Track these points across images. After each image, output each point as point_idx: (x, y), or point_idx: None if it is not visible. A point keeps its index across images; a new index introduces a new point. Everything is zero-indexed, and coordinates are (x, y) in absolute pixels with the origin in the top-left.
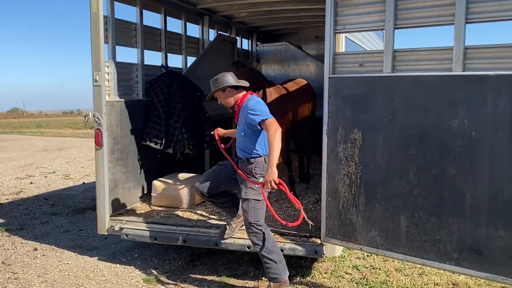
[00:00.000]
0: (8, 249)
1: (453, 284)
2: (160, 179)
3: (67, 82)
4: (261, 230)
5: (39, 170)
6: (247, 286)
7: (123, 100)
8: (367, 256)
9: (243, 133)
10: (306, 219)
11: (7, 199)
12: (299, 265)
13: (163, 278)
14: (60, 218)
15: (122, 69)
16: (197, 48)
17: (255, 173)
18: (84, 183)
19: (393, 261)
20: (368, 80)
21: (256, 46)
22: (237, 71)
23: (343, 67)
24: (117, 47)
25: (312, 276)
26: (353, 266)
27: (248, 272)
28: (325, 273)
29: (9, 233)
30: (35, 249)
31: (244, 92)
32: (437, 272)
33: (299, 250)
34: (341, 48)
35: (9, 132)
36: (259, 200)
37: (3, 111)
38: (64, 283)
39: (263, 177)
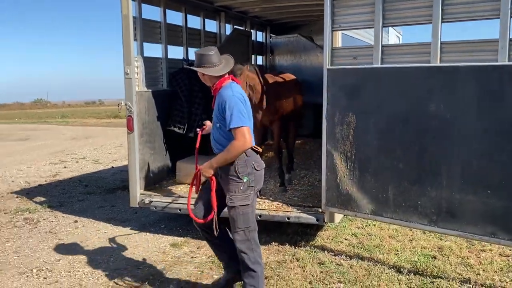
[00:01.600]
0: (52, 221)
1: (439, 248)
2: (183, 160)
3: (89, 73)
4: (250, 237)
5: (70, 156)
6: (267, 253)
7: (150, 90)
8: (366, 225)
9: (218, 125)
10: (214, 225)
11: (45, 181)
12: (305, 233)
13: (187, 243)
14: (94, 196)
15: (149, 63)
16: (215, 42)
17: (238, 172)
18: (113, 167)
19: (388, 229)
20: (360, 71)
21: (270, 38)
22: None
23: (340, 60)
24: (144, 43)
25: (315, 241)
26: (352, 234)
27: (261, 239)
28: (327, 239)
29: (51, 209)
30: (76, 221)
31: (225, 75)
32: (426, 238)
33: (303, 218)
34: (338, 43)
35: (36, 122)
36: (248, 204)
37: (28, 102)
38: (102, 247)
39: (247, 176)
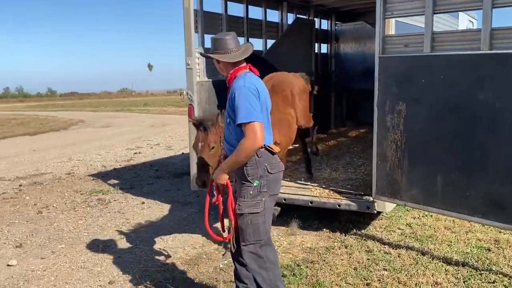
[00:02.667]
0: (122, 202)
1: (495, 241)
2: None
3: (170, 64)
4: (262, 253)
5: (145, 143)
6: (310, 235)
7: (210, 80)
8: (422, 216)
9: (228, 120)
10: (232, 240)
11: (120, 165)
12: (358, 222)
13: None
14: (163, 180)
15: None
16: (276, 32)
17: (247, 174)
18: (183, 153)
19: (445, 220)
20: (411, 59)
21: (335, 26)
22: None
23: (391, 48)
24: (205, 35)
25: (366, 230)
26: (407, 224)
27: (312, 225)
28: (379, 228)
29: (122, 191)
30: (143, 203)
31: (242, 64)
32: (483, 230)
33: (354, 206)
34: (391, 31)
35: (120, 110)
36: (258, 212)
37: (115, 91)
38: (164, 226)
39: (258, 179)
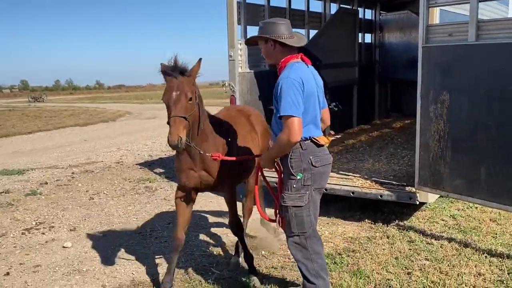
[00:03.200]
0: (167, 190)
1: None
2: None
3: (213, 55)
4: (307, 245)
5: None
6: (351, 225)
7: (252, 71)
8: (467, 207)
9: (275, 110)
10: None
11: (165, 154)
12: (400, 213)
13: None
14: None
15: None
16: (319, 22)
17: (291, 167)
18: None
19: (490, 212)
20: (455, 48)
21: (380, 16)
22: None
23: (435, 37)
24: (247, 27)
25: (409, 221)
26: (450, 215)
27: (354, 215)
28: (422, 219)
29: (167, 180)
30: None
31: (294, 53)
32: None
33: (396, 196)
34: (435, 20)
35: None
36: (301, 206)
37: (159, 84)
38: (208, 213)
39: (302, 172)
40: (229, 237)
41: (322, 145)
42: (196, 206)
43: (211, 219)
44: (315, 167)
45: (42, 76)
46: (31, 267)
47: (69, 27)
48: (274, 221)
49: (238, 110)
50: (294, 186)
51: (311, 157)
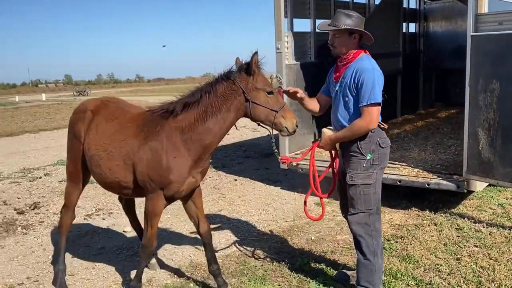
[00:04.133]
0: (216, 179)
1: None
2: (328, 127)
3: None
4: (370, 221)
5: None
6: (398, 213)
7: (298, 63)
8: None
9: (346, 98)
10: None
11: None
12: (447, 201)
13: (330, 203)
14: (251, 160)
15: (298, 37)
16: (364, 13)
17: (361, 148)
18: (269, 134)
19: None
20: (506, 37)
21: (424, 5)
22: None
23: (484, 26)
24: (294, 19)
25: (456, 209)
26: (499, 204)
27: (401, 204)
28: (470, 207)
29: (215, 169)
30: (235, 180)
31: (359, 47)
32: None
33: (443, 185)
34: (484, 9)
35: None
36: (370, 183)
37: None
38: (257, 201)
39: (371, 153)
40: (278, 224)
41: (385, 129)
42: (245, 194)
43: (260, 206)
44: (382, 148)
45: (84, 71)
46: (97, 249)
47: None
48: (325, 196)
49: None
50: (364, 165)
51: (378, 139)
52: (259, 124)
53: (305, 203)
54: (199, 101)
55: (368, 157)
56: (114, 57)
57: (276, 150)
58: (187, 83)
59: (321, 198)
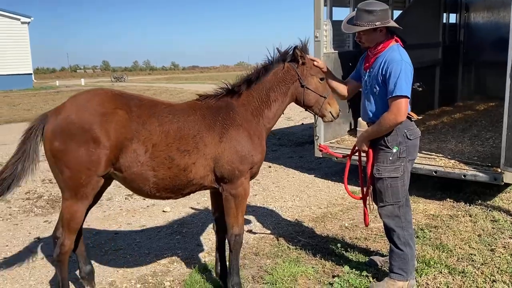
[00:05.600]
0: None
1: None
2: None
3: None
4: (400, 213)
5: None
6: (433, 203)
7: (336, 51)
8: None
9: (375, 90)
10: (370, 197)
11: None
12: (483, 193)
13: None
14: (285, 148)
15: (337, 26)
16: (403, 2)
17: (387, 141)
18: (302, 123)
19: None
20: None
21: None
22: None
23: None
24: (333, 8)
25: (492, 201)
26: None
27: (436, 195)
28: (506, 200)
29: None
30: (269, 167)
31: (388, 37)
32: None
33: (480, 177)
34: None
35: None
36: (397, 176)
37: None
38: (290, 188)
39: (397, 145)
40: (312, 210)
41: (414, 120)
42: (279, 180)
43: (294, 193)
44: (410, 139)
45: (121, 57)
46: (138, 226)
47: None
48: (360, 198)
49: None
50: (390, 158)
51: (405, 131)
52: (306, 110)
53: (345, 180)
54: (261, 85)
55: (394, 150)
56: (150, 44)
57: (318, 135)
58: (220, 71)
59: (363, 200)
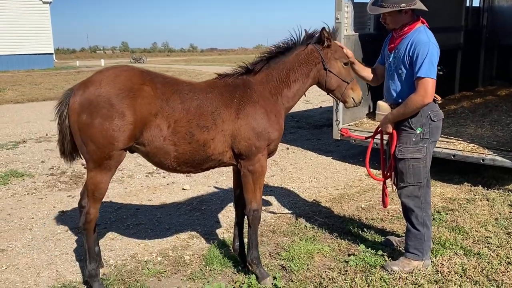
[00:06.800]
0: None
1: None
2: (384, 100)
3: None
4: (420, 194)
5: None
6: (450, 187)
7: (357, 34)
8: None
9: (400, 71)
10: (392, 180)
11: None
12: (502, 178)
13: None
14: (303, 130)
15: (358, 8)
16: None
17: (411, 122)
18: (321, 107)
19: None
20: None
21: None
22: None
23: None
24: None
25: (510, 186)
26: None
27: (453, 179)
28: None
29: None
30: (287, 148)
31: (414, 19)
32: None
33: (499, 161)
34: None
35: None
36: (419, 157)
37: (250, 47)
38: (308, 169)
39: (421, 127)
40: (329, 191)
41: (438, 102)
42: (297, 162)
43: (310, 174)
44: (433, 121)
45: (140, 39)
46: (158, 203)
47: None
48: (381, 180)
49: None
50: (414, 140)
51: (429, 113)
52: (328, 93)
53: (366, 162)
54: (282, 65)
55: (418, 131)
56: (169, 26)
57: (338, 120)
58: (239, 54)
59: (383, 181)
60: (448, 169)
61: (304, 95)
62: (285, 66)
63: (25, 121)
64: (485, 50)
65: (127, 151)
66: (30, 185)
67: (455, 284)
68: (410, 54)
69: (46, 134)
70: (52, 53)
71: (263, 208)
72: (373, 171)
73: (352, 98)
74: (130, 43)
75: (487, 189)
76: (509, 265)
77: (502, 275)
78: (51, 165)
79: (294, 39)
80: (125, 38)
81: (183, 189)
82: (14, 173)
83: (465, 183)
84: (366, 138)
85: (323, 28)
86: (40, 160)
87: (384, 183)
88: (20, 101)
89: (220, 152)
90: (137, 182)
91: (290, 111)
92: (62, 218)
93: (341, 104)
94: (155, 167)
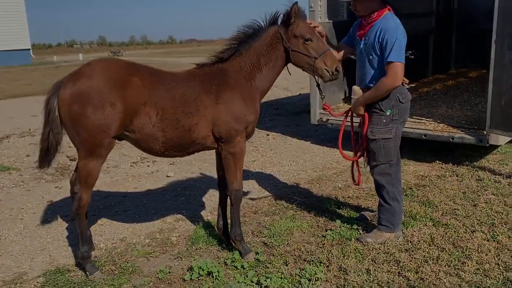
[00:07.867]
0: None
1: None
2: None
3: None
4: (391, 171)
5: None
6: (423, 165)
7: (331, 21)
8: None
9: (371, 57)
10: (364, 159)
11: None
12: (471, 156)
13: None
14: (282, 117)
15: None
16: None
17: (381, 104)
18: (300, 94)
19: None
20: None
21: None
22: None
23: None
24: None
25: (479, 163)
26: None
27: (426, 158)
28: (492, 161)
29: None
30: (267, 135)
31: (382, 6)
32: None
33: (467, 139)
34: None
35: None
36: (390, 138)
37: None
38: (287, 154)
39: (391, 109)
40: (308, 173)
41: (406, 85)
42: (277, 147)
43: (290, 158)
44: (402, 103)
45: (118, 32)
46: (144, 191)
47: None
48: (354, 159)
49: None
50: (384, 121)
51: (398, 95)
52: (303, 71)
53: (340, 142)
54: (251, 50)
55: (387, 113)
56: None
57: (323, 95)
58: (218, 44)
59: (353, 161)
60: (422, 149)
61: (285, 77)
62: (255, 51)
63: (7, 117)
64: (457, 34)
65: (116, 139)
66: (17, 178)
67: (423, 251)
68: (380, 40)
69: (29, 129)
70: (29, 49)
71: (244, 191)
72: (347, 153)
73: (325, 70)
74: (108, 37)
75: (457, 166)
76: (473, 233)
77: (467, 242)
78: (36, 159)
79: (259, 23)
80: (102, 32)
81: (167, 176)
82: (0, 167)
83: (437, 161)
84: (342, 114)
85: (294, 3)
86: (25, 154)
87: (356, 162)
88: (0, 97)
89: (204, 136)
90: (123, 171)
91: (270, 99)
92: (51, 207)
93: (317, 89)
94: (139, 157)
